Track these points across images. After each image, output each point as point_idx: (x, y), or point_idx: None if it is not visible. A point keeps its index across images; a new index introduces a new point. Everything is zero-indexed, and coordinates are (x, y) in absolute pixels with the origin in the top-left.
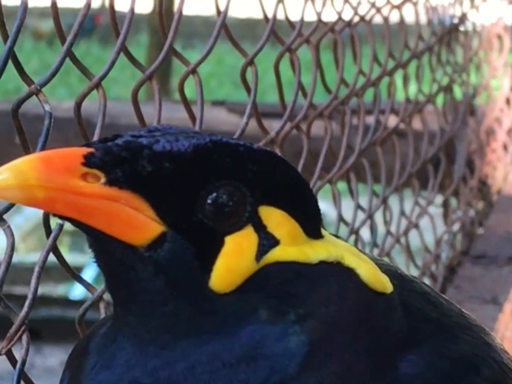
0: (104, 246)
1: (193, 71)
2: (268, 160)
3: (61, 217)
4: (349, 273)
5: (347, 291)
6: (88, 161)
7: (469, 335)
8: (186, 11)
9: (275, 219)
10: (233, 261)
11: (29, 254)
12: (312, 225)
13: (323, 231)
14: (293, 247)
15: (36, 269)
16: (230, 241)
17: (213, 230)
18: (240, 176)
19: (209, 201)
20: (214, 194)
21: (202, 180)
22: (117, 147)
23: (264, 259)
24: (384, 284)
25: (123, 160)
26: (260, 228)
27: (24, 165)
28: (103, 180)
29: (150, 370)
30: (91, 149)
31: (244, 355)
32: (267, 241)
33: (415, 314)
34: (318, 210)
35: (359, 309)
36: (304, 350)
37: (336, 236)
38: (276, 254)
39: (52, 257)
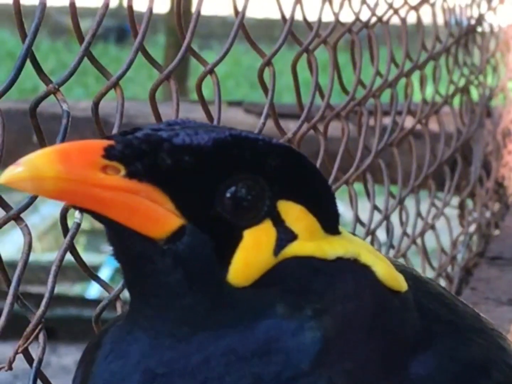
0: (123, 239)
1: (211, 71)
2: (287, 155)
3: (80, 209)
4: (366, 271)
5: (363, 289)
6: (108, 153)
7: (483, 338)
8: (204, 11)
9: (294, 213)
10: (251, 255)
11: (45, 254)
12: (329, 221)
13: (340, 228)
14: (311, 242)
15: (53, 268)
16: (248, 235)
17: (232, 224)
18: (259, 170)
19: (228, 194)
20: (233, 188)
21: (221, 174)
22: (137, 140)
23: (282, 253)
24: (399, 282)
25: (143, 153)
26: (279, 222)
27: (44, 157)
28: (123, 172)
29: (165, 361)
30: (111, 142)
31: (258, 349)
32: (285, 236)
33: (428, 315)
34: (335, 206)
35: (374, 307)
36: (318, 346)
37: (353, 234)
38: (294, 249)
39: (68, 256)
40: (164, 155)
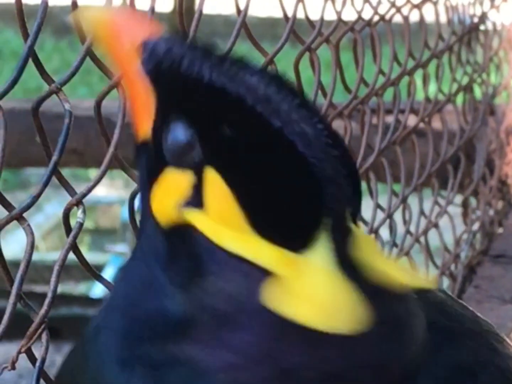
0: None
1: None
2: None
3: None
4: (272, 291)
5: (247, 294)
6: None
7: (476, 341)
8: (207, 10)
9: (216, 190)
10: (162, 194)
11: (49, 253)
12: (281, 233)
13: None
14: (216, 224)
15: (56, 267)
16: (169, 173)
17: (164, 155)
18: (201, 120)
19: (170, 126)
20: (176, 123)
21: (175, 103)
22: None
23: (183, 212)
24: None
25: (160, 62)
26: (197, 185)
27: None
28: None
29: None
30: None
31: (139, 283)
32: (194, 200)
33: (428, 324)
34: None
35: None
36: (177, 318)
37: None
38: (194, 216)
39: (72, 255)
40: (166, 67)
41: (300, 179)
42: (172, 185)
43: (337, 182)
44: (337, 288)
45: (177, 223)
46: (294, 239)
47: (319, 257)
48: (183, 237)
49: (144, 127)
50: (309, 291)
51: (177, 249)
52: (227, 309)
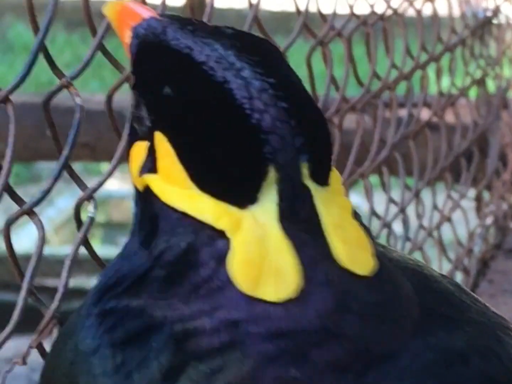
0: None
1: None
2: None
3: None
4: (215, 240)
5: (192, 251)
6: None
7: (478, 330)
8: (219, 4)
9: (163, 150)
10: (132, 160)
11: (62, 247)
12: (212, 179)
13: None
14: (166, 184)
15: (67, 262)
16: (136, 144)
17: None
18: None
19: (135, 95)
20: (136, 93)
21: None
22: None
23: (143, 177)
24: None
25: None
26: (151, 149)
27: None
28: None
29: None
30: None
31: (125, 251)
32: (149, 164)
33: (422, 311)
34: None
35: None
36: (140, 275)
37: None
38: (150, 179)
39: (84, 249)
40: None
41: (239, 132)
42: (136, 154)
43: (278, 133)
44: (270, 248)
45: (143, 188)
46: (239, 194)
47: (261, 212)
48: (146, 200)
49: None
50: (243, 248)
51: (143, 213)
52: (180, 264)
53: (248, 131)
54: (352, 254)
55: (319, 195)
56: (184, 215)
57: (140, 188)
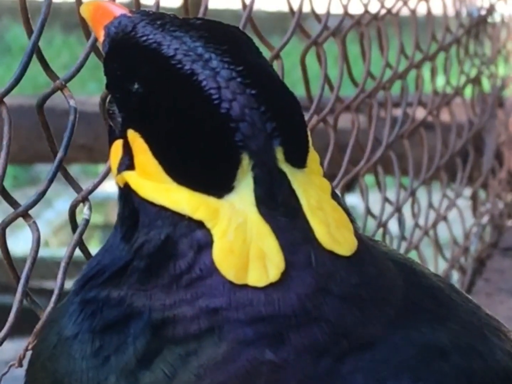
0: None
1: None
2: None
3: None
4: (192, 230)
5: (172, 241)
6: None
7: (463, 327)
8: (215, 5)
9: (137, 146)
10: (112, 158)
11: (60, 249)
12: (187, 172)
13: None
14: (143, 179)
15: (62, 264)
16: (115, 143)
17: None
18: (121, 92)
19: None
20: (109, 92)
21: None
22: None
23: (121, 174)
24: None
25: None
26: (127, 146)
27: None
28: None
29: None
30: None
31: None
32: (126, 161)
33: (407, 306)
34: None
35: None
36: (121, 266)
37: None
38: (127, 177)
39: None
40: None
41: (210, 123)
42: (114, 152)
43: (248, 120)
44: (251, 234)
45: (123, 185)
46: (214, 184)
47: (239, 200)
48: (126, 196)
49: None
50: (224, 236)
51: (124, 208)
52: (159, 256)
53: (218, 120)
54: (333, 235)
55: (296, 178)
56: (162, 208)
57: (121, 185)
